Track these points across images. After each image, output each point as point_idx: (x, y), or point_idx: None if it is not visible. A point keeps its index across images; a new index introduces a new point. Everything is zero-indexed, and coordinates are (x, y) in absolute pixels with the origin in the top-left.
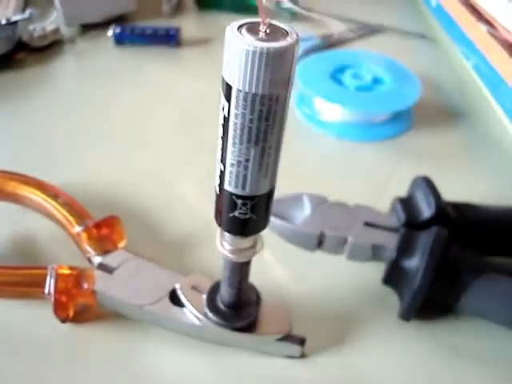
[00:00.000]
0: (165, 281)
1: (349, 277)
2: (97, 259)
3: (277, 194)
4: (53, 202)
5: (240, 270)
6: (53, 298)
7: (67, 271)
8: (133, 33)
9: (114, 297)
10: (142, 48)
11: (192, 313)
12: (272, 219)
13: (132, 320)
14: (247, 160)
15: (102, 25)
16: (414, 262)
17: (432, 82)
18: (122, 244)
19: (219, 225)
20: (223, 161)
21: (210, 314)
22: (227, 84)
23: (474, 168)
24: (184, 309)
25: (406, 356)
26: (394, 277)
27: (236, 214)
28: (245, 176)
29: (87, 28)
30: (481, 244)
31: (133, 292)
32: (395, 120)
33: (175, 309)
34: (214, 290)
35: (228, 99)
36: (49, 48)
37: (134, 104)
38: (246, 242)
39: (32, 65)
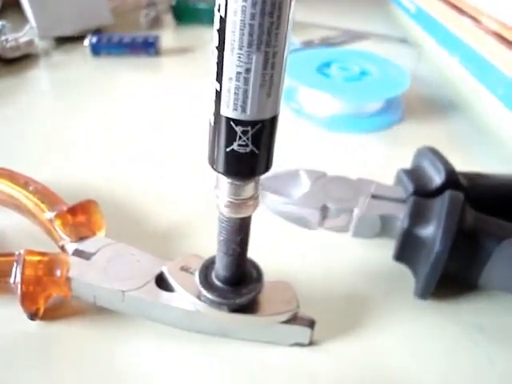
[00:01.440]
0: (150, 265)
1: (356, 257)
2: (72, 246)
3: (270, 172)
4: (22, 191)
5: (239, 229)
6: (19, 288)
7: (37, 257)
8: (110, 42)
9: (92, 284)
10: (120, 58)
11: (183, 296)
12: (268, 196)
13: (113, 313)
14: (248, 70)
15: (79, 37)
16: (430, 230)
17: (419, 78)
18: (101, 231)
19: (214, 166)
20: (219, 77)
21: (205, 292)
22: None
23: (467, 155)
24: (173, 294)
25: (427, 339)
26: (406, 250)
27: (235, 146)
28: (245, 93)
29: (63, 40)
30: (495, 212)
31: (113, 277)
32: (386, 111)
33: (163, 294)
34: (207, 266)
35: None
36: (23, 60)
37: (113, 111)
38: (245, 190)
39: (5, 75)
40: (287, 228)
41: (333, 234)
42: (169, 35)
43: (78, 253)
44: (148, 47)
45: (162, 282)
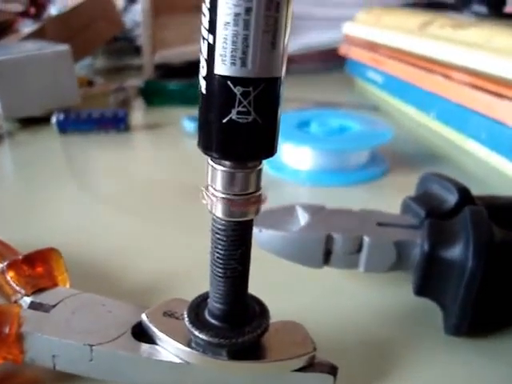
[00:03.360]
0: (125, 315)
1: (371, 295)
2: (27, 300)
3: (262, 208)
4: None
5: (239, 239)
6: None
7: None
8: (78, 118)
9: (51, 340)
10: (89, 135)
11: (169, 346)
12: (263, 231)
13: (78, 379)
14: (248, 10)
15: (45, 117)
16: (457, 249)
17: (399, 139)
18: (64, 282)
19: (206, 149)
20: (212, 26)
21: (197, 333)
22: None
23: None
24: (156, 346)
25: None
26: (430, 279)
27: (233, 115)
28: (245, 40)
29: (28, 120)
30: None
31: (79, 331)
32: (370, 165)
33: (143, 346)
34: (198, 304)
35: None
36: None
37: (82, 185)
38: (245, 182)
39: None
40: (288, 268)
41: (341, 271)
42: (138, 115)
43: (34, 306)
44: (118, 122)
45: (140, 334)
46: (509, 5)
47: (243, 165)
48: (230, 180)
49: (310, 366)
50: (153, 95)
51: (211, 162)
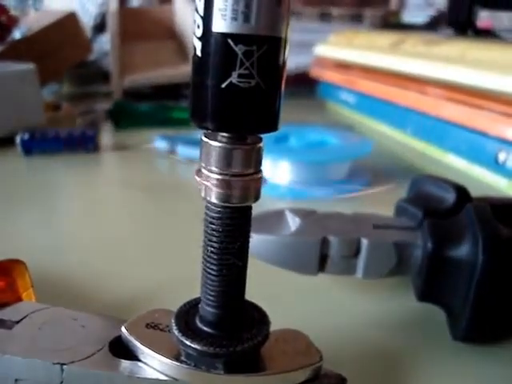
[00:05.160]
0: (101, 330)
1: (370, 303)
2: None
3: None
4: None
5: (237, 229)
6: None
7: None
8: (44, 138)
9: (14, 360)
10: (56, 155)
11: (153, 360)
12: (253, 236)
13: None
14: None
15: (7, 138)
16: (464, 247)
17: (378, 155)
18: (29, 297)
19: (200, 120)
20: None
21: (188, 342)
22: None
23: None
24: (138, 363)
25: None
26: (435, 282)
27: (234, 78)
28: None
29: None
30: None
31: (47, 348)
32: (351, 179)
33: (123, 363)
34: (188, 310)
35: None
36: None
37: (46, 210)
38: (244, 160)
39: None
40: (280, 276)
41: (337, 280)
42: (108, 136)
43: None
44: (86, 142)
45: (119, 350)
46: (481, 19)
47: (242, 140)
48: (227, 158)
49: (316, 379)
50: (122, 118)
51: (205, 139)
